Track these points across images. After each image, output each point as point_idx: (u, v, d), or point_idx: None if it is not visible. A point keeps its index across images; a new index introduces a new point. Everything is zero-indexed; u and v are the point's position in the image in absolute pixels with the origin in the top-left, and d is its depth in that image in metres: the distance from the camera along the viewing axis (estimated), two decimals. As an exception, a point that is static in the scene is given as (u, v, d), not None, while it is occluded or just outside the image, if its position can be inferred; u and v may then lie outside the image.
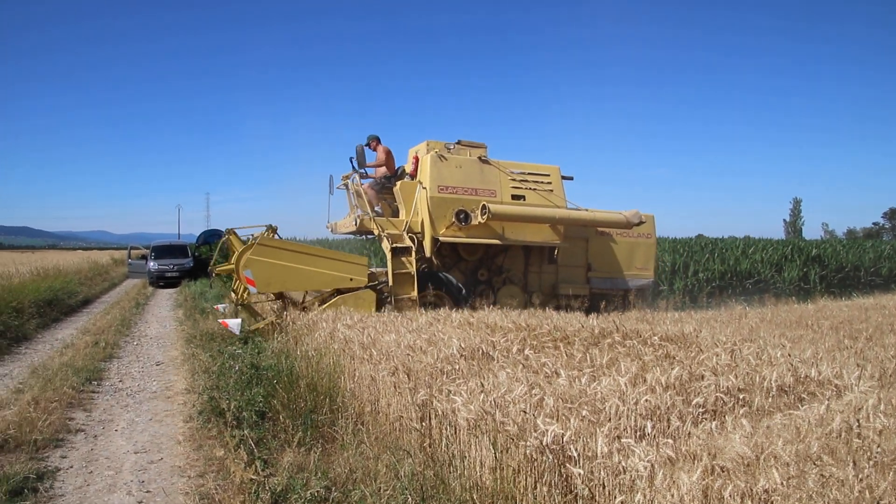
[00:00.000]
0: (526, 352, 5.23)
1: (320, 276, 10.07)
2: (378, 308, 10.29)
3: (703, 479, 2.49)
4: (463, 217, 11.24)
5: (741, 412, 3.70)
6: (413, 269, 10.73)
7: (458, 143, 12.07)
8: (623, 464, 2.83)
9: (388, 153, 12.66)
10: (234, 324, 9.83)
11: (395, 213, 11.99)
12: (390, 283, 10.59)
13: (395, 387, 4.54)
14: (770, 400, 4.05)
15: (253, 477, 4.04)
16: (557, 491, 3.00)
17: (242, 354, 7.59)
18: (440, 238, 11.31)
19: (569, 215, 12.15)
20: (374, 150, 12.74)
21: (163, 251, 27.80)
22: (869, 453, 2.64)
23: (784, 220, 75.11)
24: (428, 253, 11.45)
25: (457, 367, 4.74)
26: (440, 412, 3.87)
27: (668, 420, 3.54)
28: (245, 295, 10.49)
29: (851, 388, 4.09)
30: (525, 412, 3.43)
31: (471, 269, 12.31)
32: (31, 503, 4.30)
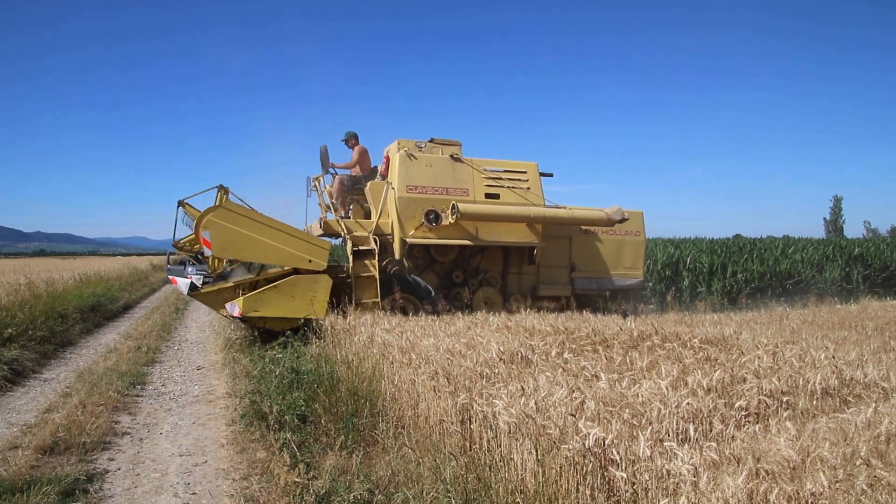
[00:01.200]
0: (565, 355, 5.24)
1: (279, 251, 9.83)
2: (332, 303, 10.06)
3: (748, 483, 2.48)
4: (433, 217, 10.96)
5: (785, 415, 3.67)
6: (375, 273, 10.54)
7: (431, 141, 11.77)
8: (666, 467, 2.82)
9: (363, 153, 12.48)
10: (183, 283, 9.95)
11: (368, 215, 11.78)
12: (354, 286, 10.45)
13: (434, 390, 4.57)
14: (815, 403, 4.02)
15: (297, 480, 4.12)
16: (600, 493, 3.00)
17: (283, 359, 7.69)
18: (408, 240, 11.03)
19: (544, 213, 11.67)
20: (351, 147, 12.62)
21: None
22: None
23: (824, 219, 73.74)
24: (397, 255, 11.22)
25: (496, 370, 4.77)
26: (481, 415, 3.89)
27: (711, 423, 3.52)
28: (214, 263, 10.46)
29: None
30: (568, 415, 3.44)
31: (445, 272, 11.96)
32: (82, 504, 4.42)
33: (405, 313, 9.65)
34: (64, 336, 12.01)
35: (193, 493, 4.62)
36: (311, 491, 3.96)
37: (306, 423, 5.55)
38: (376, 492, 3.92)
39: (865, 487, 2.33)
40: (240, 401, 6.76)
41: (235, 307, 9.70)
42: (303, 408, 5.66)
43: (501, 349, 5.36)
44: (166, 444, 5.87)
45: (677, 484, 2.68)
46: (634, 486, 2.88)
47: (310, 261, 9.93)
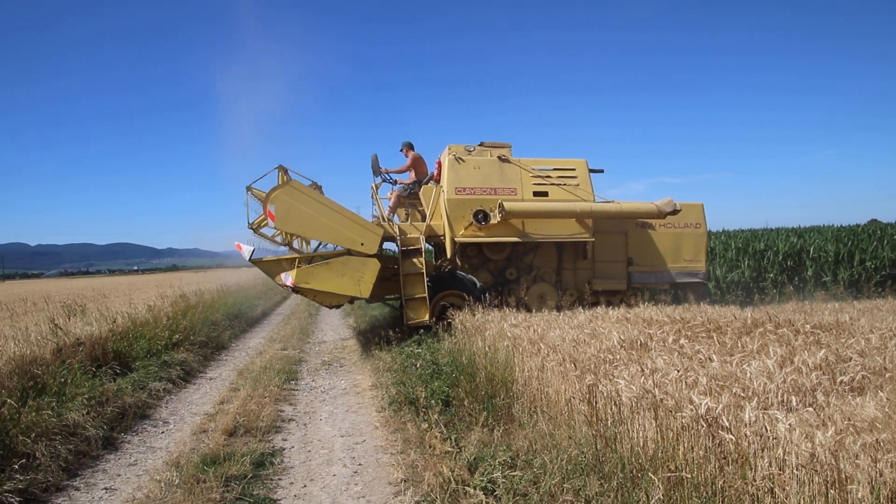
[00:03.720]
0: (681, 341, 5.73)
1: (335, 231, 10.61)
2: (375, 292, 10.90)
3: (836, 436, 2.96)
4: (481, 217, 11.34)
5: (888, 389, 4.03)
6: (423, 269, 11.08)
7: (481, 144, 12.12)
8: (768, 429, 3.31)
9: (417, 159, 13.03)
10: (246, 249, 10.86)
11: (424, 219, 12.28)
12: (402, 283, 11.05)
13: (562, 375, 5.17)
14: (919, 379, 4.34)
15: (449, 449, 4.86)
16: (711, 453, 3.52)
17: (421, 353, 8.51)
18: (458, 239, 11.47)
19: (591, 208, 11.78)
20: (406, 155, 13.21)
21: None
22: None
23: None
24: (449, 254, 11.68)
25: (617, 356, 5.32)
26: (605, 394, 4.46)
27: (815, 396, 3.96)
28: (261, 222, 11.25)
29: None
30: (683, 389, 3.97)
31: (499, 269, 12.37)
32: (271, 471, 5.33)
33: (459, 308, 10.21)
34: (218, 340, 13.35)
35: (360, 465, 5.46)
36: (463, 457, 4.70)
37: (450, 406, 6.31)
38: (518, 458, 4.60)
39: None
40: (386, 391, 7.61)
41: (289, 277, 10.65)
42: (447, 393, 6.43)
43: (622, 337, 5.91)
44: (327, 427, 6.78)
45: (776, 440, 3.18)
46: (739, 447, 3.39)
47: (362, 244, 10.77)
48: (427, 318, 10.73)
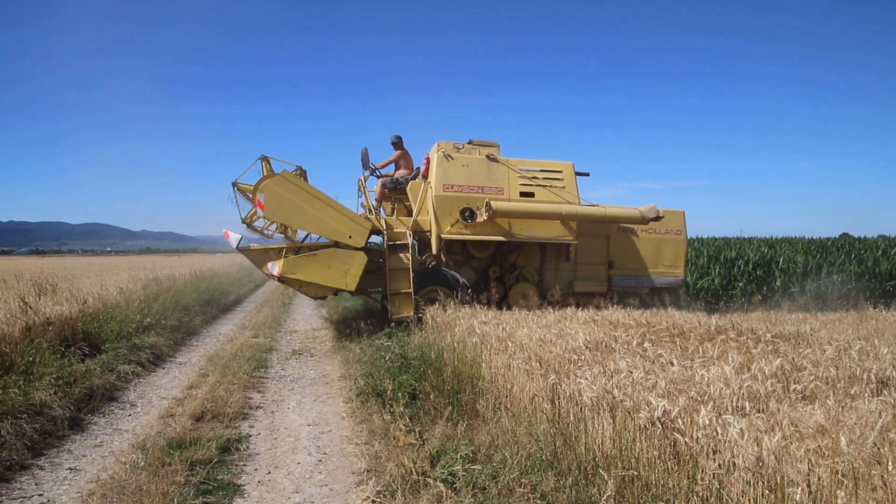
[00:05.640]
0: (644, 345, 5.86)
1: (323, 223, 10.70)
2: (359, 285, 10.97)
3: (783, 441, 3.09)
4: (468, 214, 11.46)
5: (837, 399, 4.18)
6: (409, 265, 11.17)
7: (470, 142, 12.22)
8: (720, 432, 3.44)
9: (403, 153, 13.13)
10: (233, 237, 10.93)
11: (411, 214, 12.39)
12: (388, 278, 11.13)
13: (528, 373, 5.28)
14: (869, 389, 4.50)
15: (413, 441, 4.95)
16: (665, 453, 3.64)
17: (391, 346, 8.59)
18: (444, 236, 11.60)
19: (576, 211, 11.93)
20: (395, 149, 13.28)
21: None
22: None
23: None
24: (434, 250, 11.77)
25: (582, 356, 5.43)
26: (568, 393, 4.57)
27: (767, 403, 4.10)
28: (252, 216, 11.34)
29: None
30: (642, 392, 4.09)
31: (483, 267, 12.52)
32: (237, 457, 5.38)
33: (432, 303, 10.32)
34: (189, 326, 13.36)
35: (324, 453, 5.53)
36: (426, 450, 4.79)
37: (416, 399, 6.40)
38: (479, 452, 4.70)
39: (875, 443, 2.91)
40: (354, 382, 7.68)
41: (276, 267, 10.70)
42: (413, 386, 6.52)
43: (588, 339, 6.03)
44: (294, 416, 6.84)
45: (726, 444, 3.30)
46: (692, 448, 3.51)
47: (350, 237, 10.85)
48: (412, 313, 10.79)
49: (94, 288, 12.45)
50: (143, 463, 5.00)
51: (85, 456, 5.45)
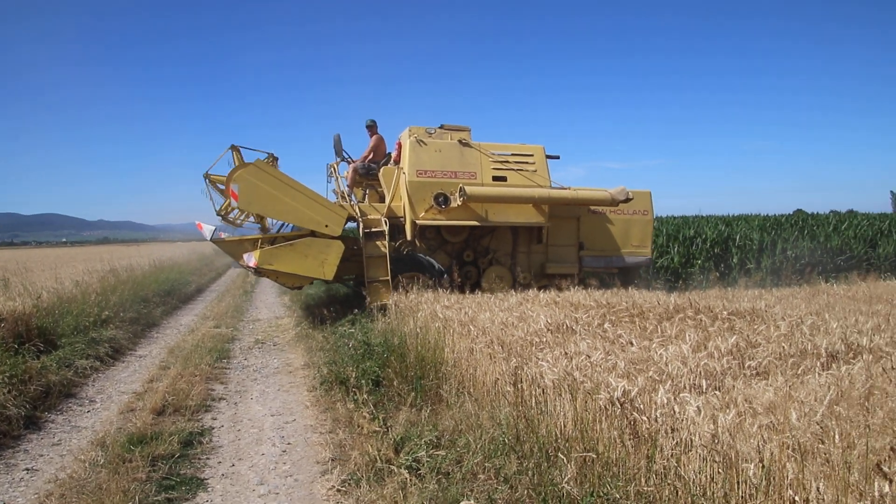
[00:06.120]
0: (605, 325, 5.95)
1: (299, 212, 10.62)
2: (337, 272, 10.95)
3: (737, 418, 3.17)
4: (442, 200, 11.53)
5: (790, 374, 4.30)
6: (386, 252, 11.19)
7: (441, 127, 12.26)
8: (678, 411, 3.51)
9: (379, 141, 13.11)
10: (207, 229, 10.86)
11: (383, 200, 12.39)
12: (365, 265, 11.13)
13: (490, 357, 5.32)
14: (820, 363, 4.63)
15: (377, 428, 4.96)
16: (625, 433, 3.70)
17: (354, 333, 8.58)
18: (419, 222, 11.62)
19: (549, 194, 12.14)
20: (371, 136, 13.26)
21: None
22: (874, 400, 3.27)
23: (892, 193, 71.36)
24: (409, 236, 11.80)
25: (544, 339, 5.49)
26: (530, 376, 4.62)
27: (723, 380, 4.19)
28: (227, 208, 11.24)
29: (894, 353, 4.61)
30: (602, 373, 4.15)
31: (456, 251, 12.58)
32: (199, 451, 5.34)
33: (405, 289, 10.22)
34: (149, 317, 13.17)
35: (288, 443, 5.52)
36: (390, 437, 4.81)
37: (380, 386, 6.41)
38: (443, 437, 4.74)
39: (823, 418, 3.00)
40: (317, 370, 7.66)
41: (252, 258, 10.63)
42: (377, 373, 6.53)
43: (549, 321, 6.09)
44: (258, 406, 6.80)
45: (683, 422, 3.37)
46: (651, 427, 3.58)
47: (326, 226, 10.77)
48: (389, 300, 10.74)
49: (49, 282, 12.17)
50: (102, 460, 4.92)
51: (42, 455, 5.36)
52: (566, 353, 4.72)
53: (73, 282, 12.38)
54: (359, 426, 5.27)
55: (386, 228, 11.47)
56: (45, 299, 9.80)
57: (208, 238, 10.86)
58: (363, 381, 6.33)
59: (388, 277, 11.02)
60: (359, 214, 11.67)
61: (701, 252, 19.07)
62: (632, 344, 5.09)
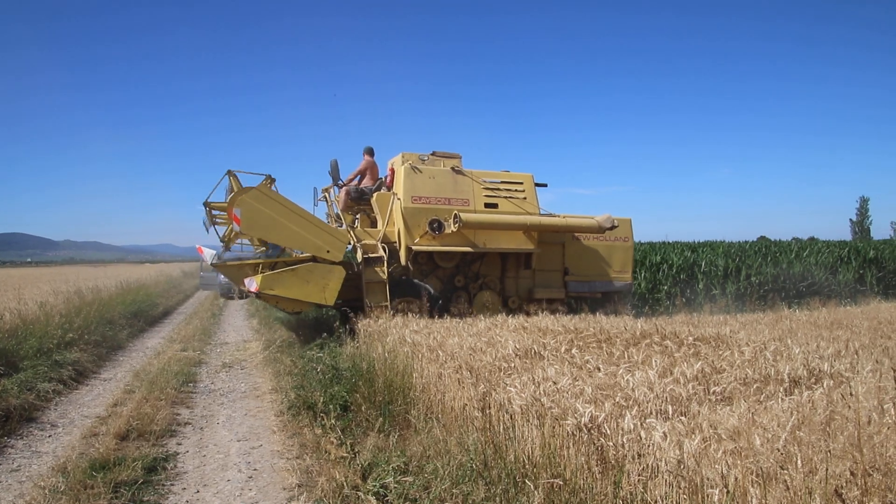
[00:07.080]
0: (572, 351, 5.99)
1: (301, 238, 10.61)
2: (339, 300, 10.96)
3: (702, 444, 3.22)
4: (436, 226, 11.70)
5: (753, 399, 4.38)
6: (385, 278, 11.26)
7: (433, 154, 12.49)
8: (644, 437, 3.55)
9: (370, 165, 13.22)
10: (208, 253, 10.80)
11: (374, 224, 12.52)
12: (365, 290, 11.16)
13: (459, 382, 5.33)
14: (783, 389, 4.72)
15: (344, 454, 4.93)
16: (593, 459, 3.73)
17: (322, 357, 8.53)
18: (414, 247, 11.82)
19: (539, 221, 12.42)
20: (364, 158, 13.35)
21: None
22: (834, 425, 3.34)
23: (850, 221, 73.21)
24: (403, 261, 11.90)
25: (512, 364, 5.52)
26: (498, 402, 4.64)
27: (689, 406, 4.25)
28: (230, 235, 11.24)
29: (854, 378, 4.72)
30: (569, 399, 4.19)
31: (448, 276, 12.75)
32: (164, 477, 5.25)
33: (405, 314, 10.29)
34: (114, 340, 12.97)
35: (255, 469, 5.45)
36: (358, 462, 4.78)
37: (347, 411, 6.37)
38: (411, 463, 4.72)
39: (785, 444, 3.06)
40: (285, 395, 7.59)
41: (253, 283, 10.56)
42: (345, 398, 6.49)
43: (517, 346, 6.13)
44: (224, 431, 6.71)
45: (650, 447, 3.41)
46: (618, 453, 3.61)
47: (328, 251, 10.77)
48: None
49: (12, 302, 11.97)
50: (63, 487, 4.81)
51: (0, 482, 5.23)
52: (534, 379, 4.75)
53: (37, 303, 12.18)
54: (326, 452, 5.23)
55: (385, 255, 11.52)
56: (7, 321, 9.63)
57: (209, 262, 10.80)
58: (331, 406, 6.30)
59: (388, 303, 11.03)
60: (355, 239, 11.74)
61: (667, 278, 19.33)
62: (599, 370, 5.14)
